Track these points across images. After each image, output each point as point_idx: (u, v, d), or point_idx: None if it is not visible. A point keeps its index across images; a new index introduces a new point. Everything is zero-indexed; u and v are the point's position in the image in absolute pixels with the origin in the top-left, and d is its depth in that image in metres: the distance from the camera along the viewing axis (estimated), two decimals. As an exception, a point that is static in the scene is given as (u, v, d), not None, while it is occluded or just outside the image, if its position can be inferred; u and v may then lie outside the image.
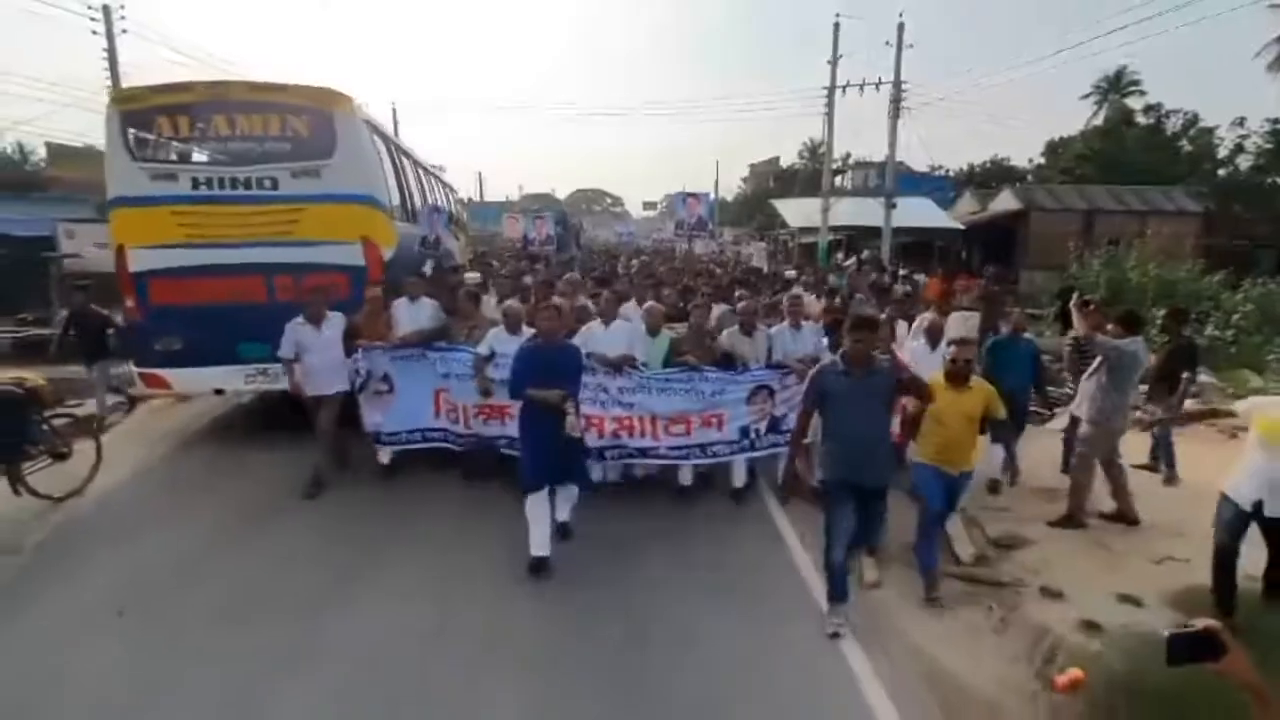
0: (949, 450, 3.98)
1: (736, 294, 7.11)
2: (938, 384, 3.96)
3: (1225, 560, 3.59)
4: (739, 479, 5.46)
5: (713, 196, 13.75)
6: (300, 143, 5.66)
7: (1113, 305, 7.96)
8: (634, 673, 3.32)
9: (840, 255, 22.30)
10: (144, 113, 5.59)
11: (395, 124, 30.94)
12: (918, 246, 22.10)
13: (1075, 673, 3.13)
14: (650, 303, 5.78)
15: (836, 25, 19.16)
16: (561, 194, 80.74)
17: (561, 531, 4.63)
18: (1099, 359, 4.89)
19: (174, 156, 5.87)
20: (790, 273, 13.51)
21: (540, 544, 4.25)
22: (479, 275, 8.59)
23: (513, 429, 4.96)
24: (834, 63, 19.36)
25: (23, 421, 4.97)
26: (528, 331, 4.92)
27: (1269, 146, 26.53)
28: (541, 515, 4.26)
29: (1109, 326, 5.08)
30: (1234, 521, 3.53)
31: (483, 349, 5.10)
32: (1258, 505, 3.41)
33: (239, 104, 5.59)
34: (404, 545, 4.55)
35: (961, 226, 22.36)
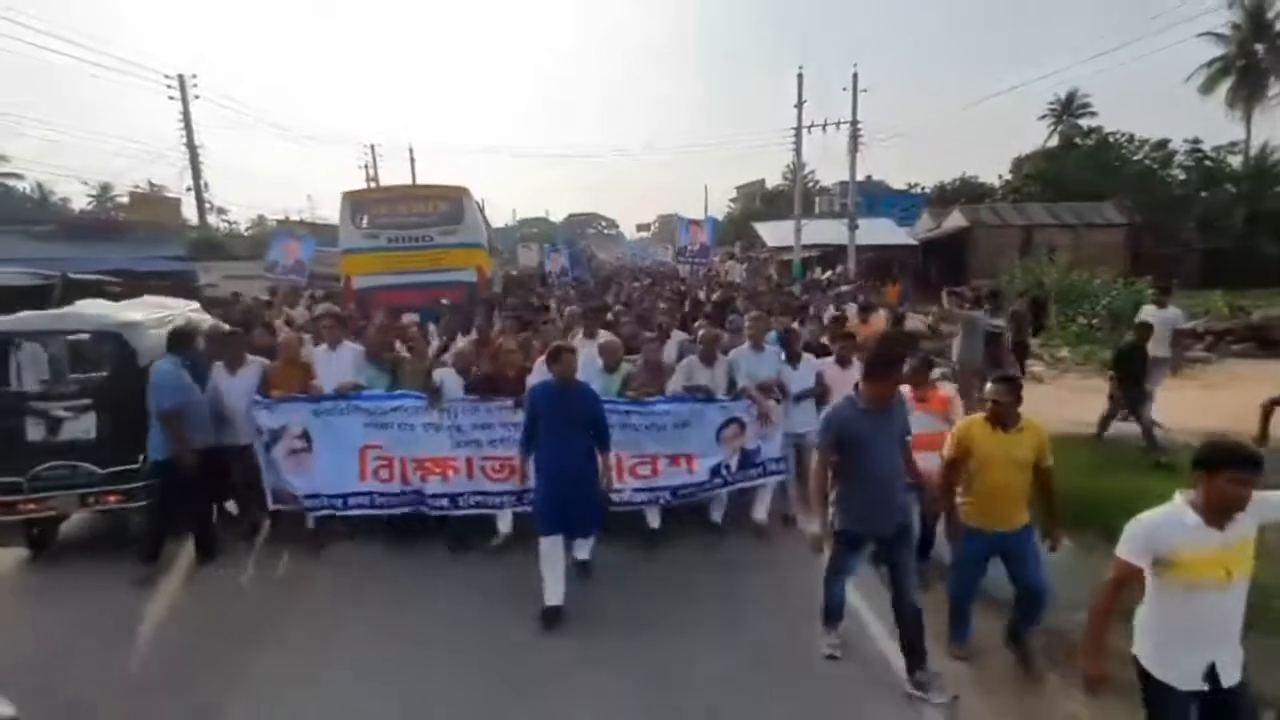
0: (995, 504, 3.39)
1: (696, 324, 6.90)
2: (980, 427, 3.43)
3: None
4: (717, 514, 5.26)
5: (711, 219, 14.71)
6: (443, 214, 9.36)
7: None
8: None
9: (819, 270, 25.50)
10: (362, 201, 9.54)
11: (413, 162, 35.17)
12: (882, 261, 25.36)
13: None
14: (608, 337, 5.52)
15: (800, 76, 22.64)
16: (555, 217, 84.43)
17: (581, 570, 4.45)
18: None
19: (378, 224, 9.43)
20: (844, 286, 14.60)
21: (555, 593, 4.06)
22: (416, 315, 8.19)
23: (458, 485, 4.92)
24: (799, 106, 22.83)
25: None
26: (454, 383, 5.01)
27: (1189, 164, 30.19)
28: (557, 560, 4.09)
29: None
30: (1182, 713, 2.40)
31: (434, 380, 5.05)
32: (1211, 674, 2.33)
33: (412, 196, 9.54)
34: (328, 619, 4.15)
35: (915, 243, 25.72)
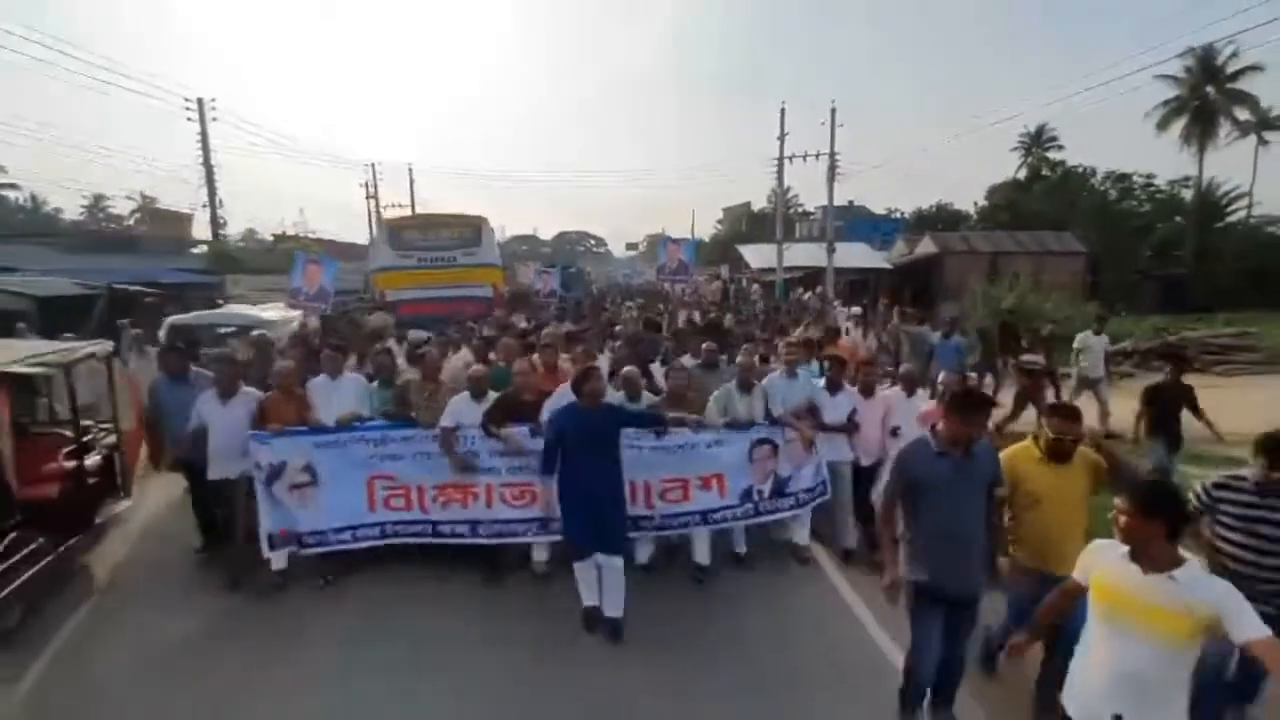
0: (1050, 543, 3.16)
1: (706, 345, 6.11)
2: (1029, 459, 3.28)
3: None
4: (703, 555, 4.99)
5: (692, 243, 14.91)
6: (465, 239, 11.01)
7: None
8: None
9: (800, 290, 27.04)
10: (397, 226, 11.33)
11: (411, 182, 36.95)
12: (860, 283, 26.97)
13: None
14: (628, 368, 5.20)
15: (783, 111, 24.37)
16: (545, 235, 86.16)
17: (612, 631, 4.18)
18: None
19: (410, 247, 11.00)
20: (851, 310, 15.24)
21: (593, 595, 4.15)
22: (425, 334, 8.00)
23: (477, 512, 4.82)
24: (781, 139, 24.59)
25: None
26: (491, 396, 4.86)
27: (1144, 198, 32.31)
28: (591, 573, 4.16)
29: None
30: None
31: (447, 421, 4.74)
32: None
33: (439, 223, 11.12)
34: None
35: (889, 266, 27.37)
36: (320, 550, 4.89)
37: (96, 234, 23.82)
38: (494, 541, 4.90)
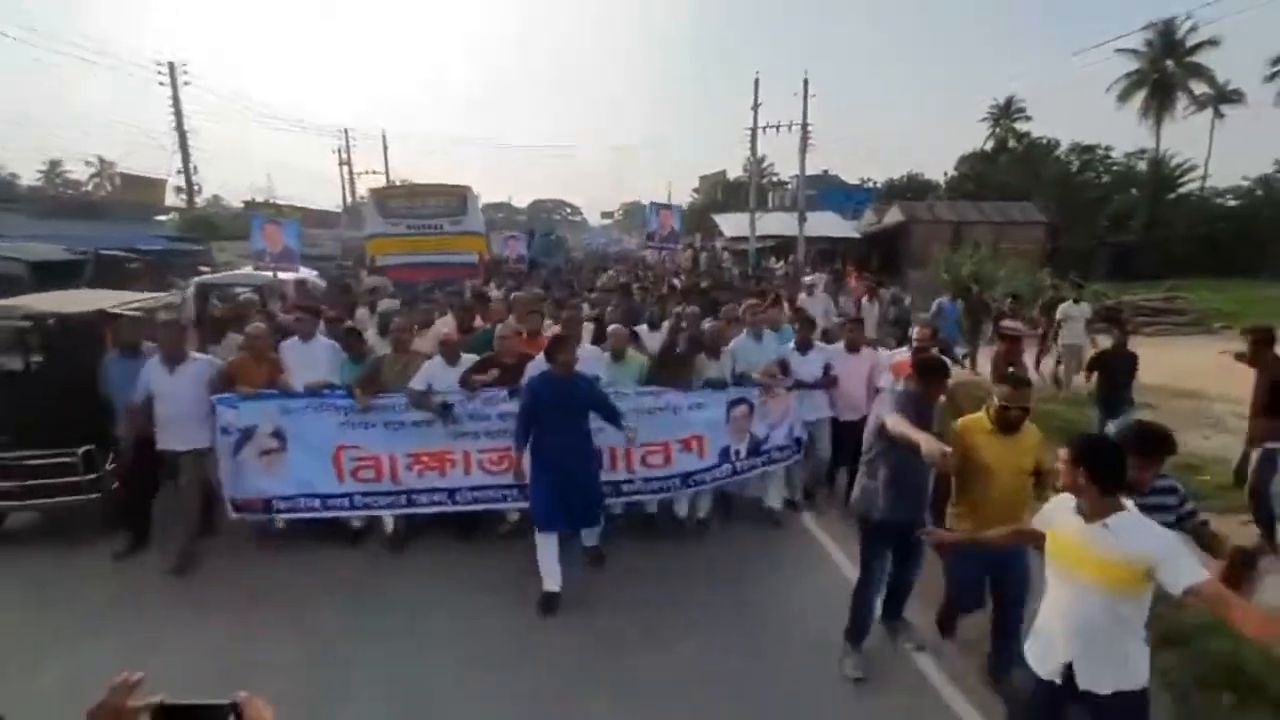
0: (997, 515, 3.07)
1: (685, 309, 6.54)
2: (980, 430, 3.22)
3: None
4: (774, 500, 5.26)
5: (680, 211, 13.92)
6: (451, 208, 11.36)
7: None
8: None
9: (774, 259, 27.75)
10: (386, 195, 11.66)
11: (385, 149, 36.78)
12: (829, 252, 27.78)
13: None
14: (614, 325, 5.37)
15: (756, 81, 24.78)
16: (519, 203, 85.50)
17: (593, 558, 4.35)
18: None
19: (398, 215, 11.35)
20: (808, 278, 15.10)
21: (553, 578, 4.08)
22: (396, 302, 7.69)
23: (455, 480, 4.79)
24: (755, 109, 25.01)
25: None
26: (467, 359, 4.83)
27: (1101, 169, 33.48)
28: (553, 549, 4.11)
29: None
30: (1040, 707, 2.38)
31: (418, 384, 4.71)
32: (1068, 673, 2.26)
33: (426, 192, 11.53)
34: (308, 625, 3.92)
35: (858, 235, 28.22)
36: (291, 517, 4.87)
37: (62, 200, 23.43)
38: (473, 508, 4.92)
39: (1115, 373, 6.37)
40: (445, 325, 6.02)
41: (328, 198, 46.18)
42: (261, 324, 5.30)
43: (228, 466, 4.71)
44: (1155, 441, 2.63)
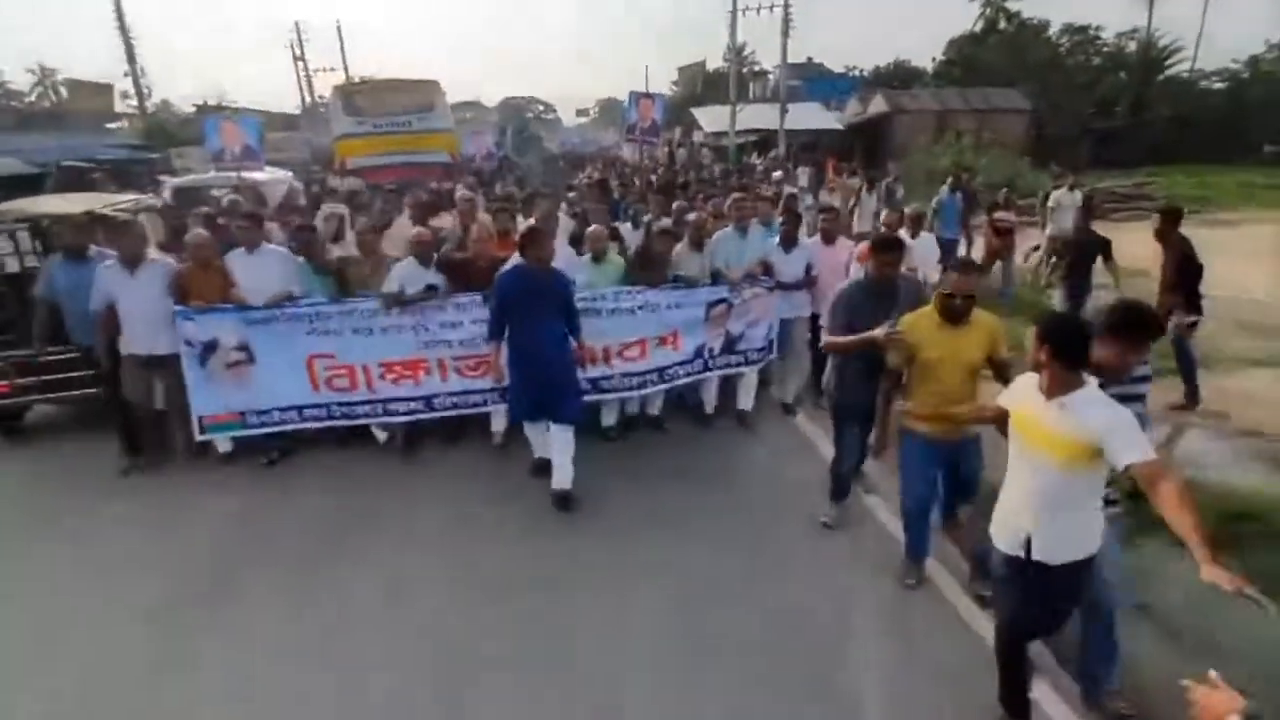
0: (945, 408, 3.01)
1: (675, 204, 6.52)
2: (930, 324, 3.08)
3: (1011, 649, 2.56)
4: (710, 403, 5.30)
5: (664, 98, 12.78)
6: (420, 104, 11.09)
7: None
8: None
9: (755, 154, 27.15)
10: (351, 93, 11.25)
11: (341, 40, 34.83)
12: (811, 145, 27.20)
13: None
14: (593, 226, 5.23)
15: (736, -42, 23.29)
16: (489, 102, 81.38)
17: (562, 503, 4.14)
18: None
19: (365, 113, 11.03)
20: (777, 174, 14.74)
21: (543, 449, 4.18)
22: (344, 207, 6.92)
23: (431, 387, 4.74)
24: (735, -10, 23.62)
25: None
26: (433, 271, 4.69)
27: (1090, 51, 32.43)
28: (542, 434, 4.18)
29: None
30: (1010, 578, 2.47)
31: (391, 286, 4.58)
32: (1027, 545, 2.34)
33: (392, 88, 11.11)
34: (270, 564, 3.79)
35: (840, 127, 27.61)
36: (267, 430, 4.74)
37: (7, 111, 22.17)
38: (452, 414, 4.89)
39: (1077, 256, 6.56)
40: (402, 226, 5.79)
41: (284, 103, 43.59)
42: (204, 231, 5.03)
43: (193, 381, 4.56)
44: (1140, 323, 2.45)
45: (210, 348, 4.53)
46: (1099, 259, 6.51)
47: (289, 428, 4.77)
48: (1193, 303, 5.37)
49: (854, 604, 3.40)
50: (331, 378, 4.68)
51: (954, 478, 3.32)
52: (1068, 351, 2.19)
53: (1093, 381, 2.24)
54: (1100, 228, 7.40)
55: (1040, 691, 2.75)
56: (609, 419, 5.14)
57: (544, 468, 4.22)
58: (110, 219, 5.04)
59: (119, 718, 2.88)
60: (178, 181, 9.28)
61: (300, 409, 4.73)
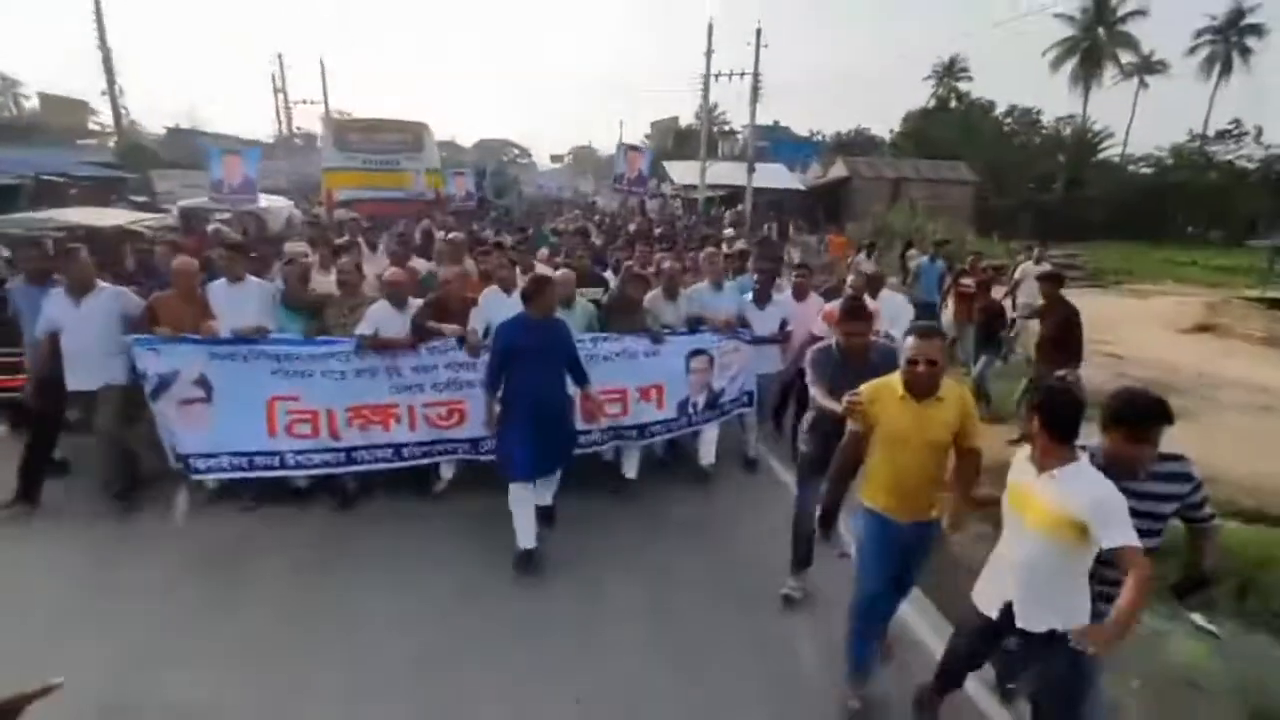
0: (902, 490, 2.75)
1: (656, 255, 6.55)
2: (892, 396, 2.71)
3: (950, 673, 2.74)
4: (707, 456, 5.16)
5: (651, 152, 13.50)
6: (408, 144, 11.73)
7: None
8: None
9: (723, 208, 28.43)
10: (344, 128, 11.81)
11: (324, 76, 35.37)
12: (776, 202, 28.68)
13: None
14: (562, 270, 5.09)
15: (710, 26, 24.93)
16: (465, 144, 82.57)
17: (546, 518, 4.16)
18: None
19: (356, 149, 11.55)
20: (728, 230, 14.75)
21: (528, 535, 3.91)
22: (306, 249, 6.67)
23: (399, 435, 4.52)
24: (708, 55, 25.19)
25: None
26: (414, 304, 4.56)
27: (1030, 132, 35.23)
28: (528, 503, 3.96)
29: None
30: (977, 635, 2.55)
31: (364, 329, 4.36)
32: (1007, 610, 2.36)
33: (384, 127, 11.68)
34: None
35: (803, 188, 29.20)
36: (213, 477, 4.45)
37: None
38: (423, 463, 4.65)
39: (989, 319, 7.03)
40: (372, 264, 5.68)
41: (256, 127, 43.69)
42: (189, 258, 4.76)
43: (155, 413, 4.30)
44: (1143, 411, 2.20)
45: (165, 382, 4.24)
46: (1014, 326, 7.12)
47: (238, 475, 4.42)
48: (1074, 357, 5.84)
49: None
50: (293, 423, 4.38)
51: (901, 568, 2.89)
52: (1058, 423, 2.19)
53: (1085, 456, 2.24)
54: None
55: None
56: (630, 470, 5.01)
57: (527, 560, 3.93)
58: (137, 234, 5.40)
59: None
60: (186, 203, 9.82)
61: (252, 456, 4.40)
